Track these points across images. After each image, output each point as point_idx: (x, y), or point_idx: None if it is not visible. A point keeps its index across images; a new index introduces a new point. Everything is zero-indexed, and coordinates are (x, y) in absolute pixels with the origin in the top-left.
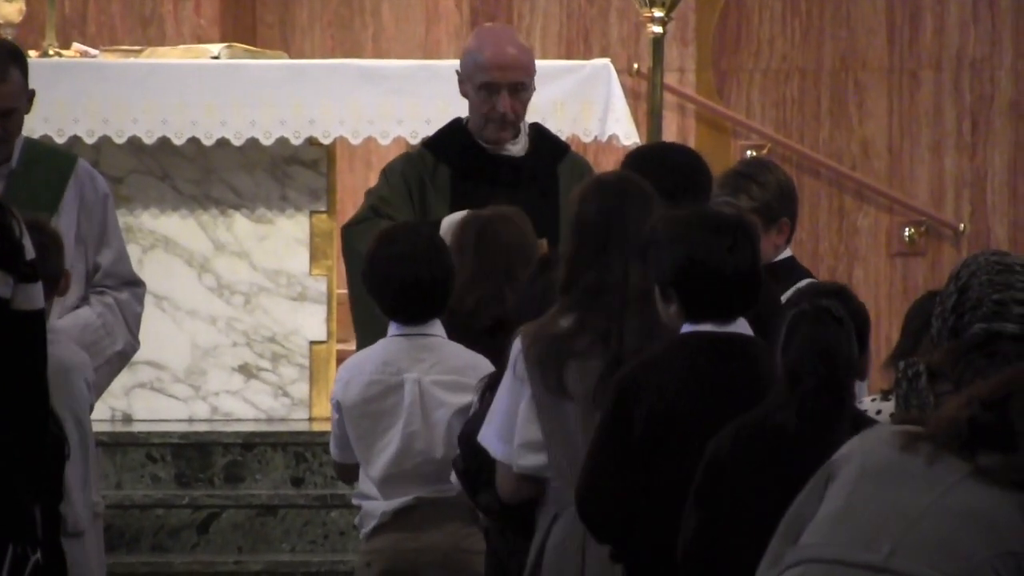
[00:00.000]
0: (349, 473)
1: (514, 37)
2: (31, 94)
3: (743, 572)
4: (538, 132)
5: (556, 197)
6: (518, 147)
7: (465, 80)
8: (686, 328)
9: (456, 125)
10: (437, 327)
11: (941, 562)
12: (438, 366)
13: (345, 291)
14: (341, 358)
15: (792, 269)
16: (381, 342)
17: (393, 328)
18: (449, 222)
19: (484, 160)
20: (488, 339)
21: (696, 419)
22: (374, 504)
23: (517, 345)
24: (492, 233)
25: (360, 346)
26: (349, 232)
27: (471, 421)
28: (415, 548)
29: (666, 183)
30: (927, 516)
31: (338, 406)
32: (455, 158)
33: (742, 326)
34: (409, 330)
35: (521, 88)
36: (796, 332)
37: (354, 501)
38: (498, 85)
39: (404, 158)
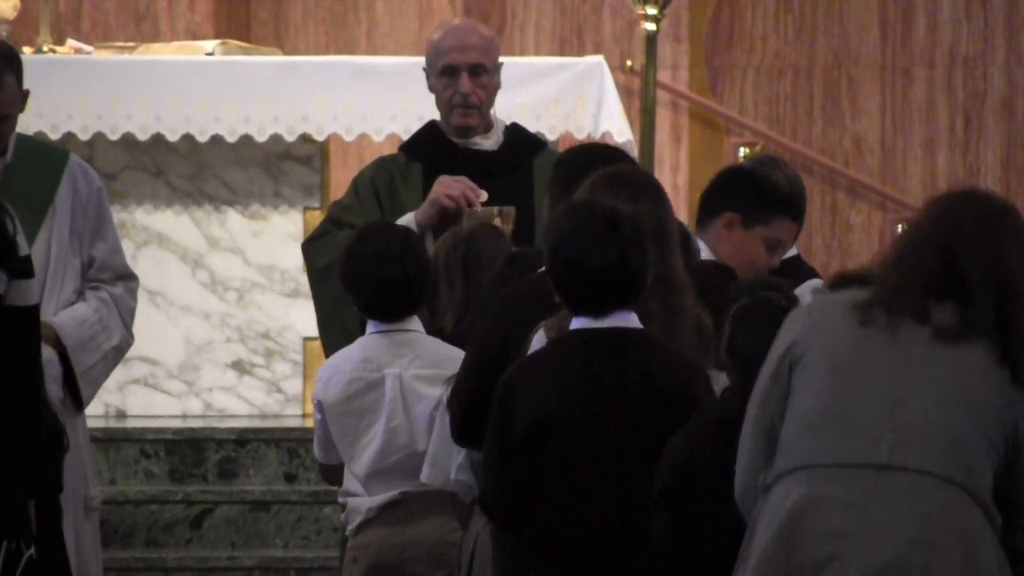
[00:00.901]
0: (334, 474)
1: (476, 27)
2: (25, 95)
3: (716, 568)
4: (515, 129)
5: (531, 191)
6: (491, 142)
7: (429, 72)
8: (572, 324)
9: (430, 126)
10: (415, 322)
11: (938, 447)
12: (418, 360)
13: None
14: None
15: (799, 267)
16: (360, 340)
17: (371, 326)
18: (407, 219)
19: (456, 154)
20: None
21: (573, 415)
22: (359, 500)
23: (540, 339)
24: (475, 255)
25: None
26: (307, 249)
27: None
28: (400, 542)
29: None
30: (912, 402)
31: (320, 406)
32: (427, 155)
33: (626, 319)
34: (387, 327)
35: (482, 70)
36: (743, 325)
37: (340, 499)
38: (457, 67)
39: (376, 163)
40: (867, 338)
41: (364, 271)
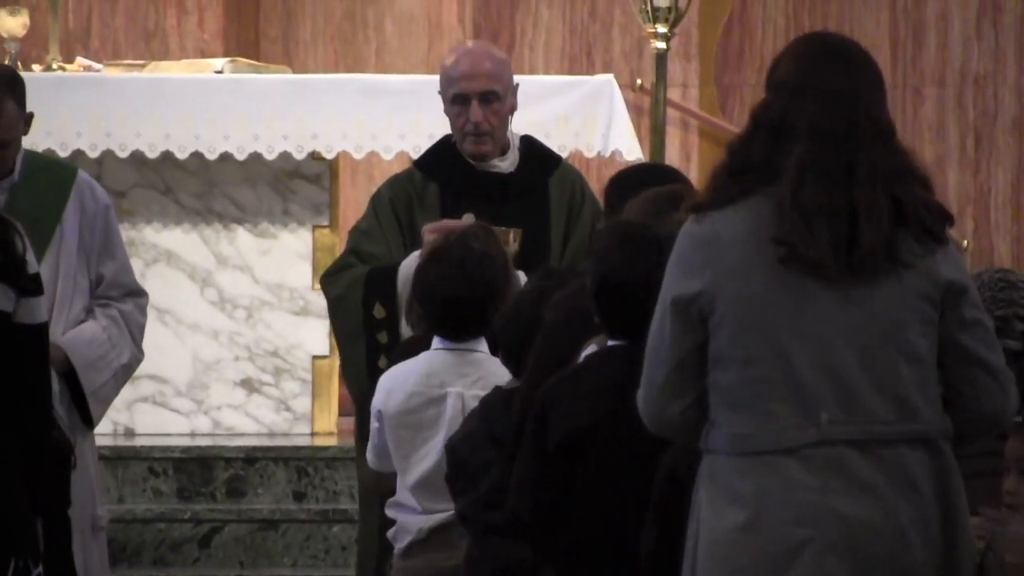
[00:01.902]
0: (384, 481)
1: (488, 50)
2: (29, 117)
3: None
4: (529, 145)
5: (547, 212)
6: (507, 163)
7: (442, 96)
8: (610, 342)
9: (445, 142)
10: (481, 343)
11: (877, 403)
12: (481, 381)
13: None
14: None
15: None
16: (424, 354)
17: (437, 342)
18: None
19: (473, 177)
20: None
21: (606, 430)
22: (410, 519)
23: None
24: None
25: (348, 388)
26: (325, 283)
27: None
28: (452, 567)
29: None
30: (844, 352)
31: (379, 415)
32: (444, 175)
33: None
34: (453, 345)
35: (493, 97)
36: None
37: (388, 512)
38: (467, 95)
39: (392, 181)
40: (781, 281)
41: (435, 289)
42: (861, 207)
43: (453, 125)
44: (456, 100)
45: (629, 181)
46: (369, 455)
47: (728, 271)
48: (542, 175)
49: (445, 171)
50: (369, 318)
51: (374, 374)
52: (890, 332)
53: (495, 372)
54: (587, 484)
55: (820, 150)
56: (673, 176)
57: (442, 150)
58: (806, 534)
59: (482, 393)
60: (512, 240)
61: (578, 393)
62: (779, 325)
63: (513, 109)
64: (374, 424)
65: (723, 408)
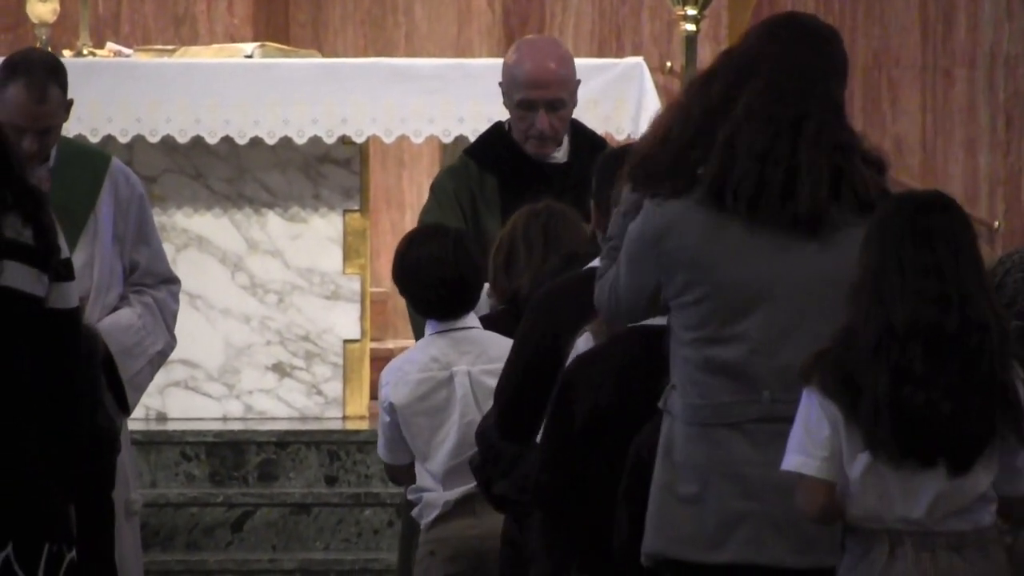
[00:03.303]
0: (399, 474)
1: (555, 50)
2: (69, 104)
3: None
4: (576, 131)
5: None
6: (561, 152)
7: (505, 94)
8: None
9: (498, 131)
10: (472, 319)
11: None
12: (483, 356)
13: (378, 289)
14: (375, 357)
15: None
16: (421, 342)
17: (431, 327)
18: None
19: (531, 168)
20: None
21: (630, 411)
22: (435, 495)
23: (587, 341)
24: (555, 223)
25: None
26: None
27: (486, 417)
28: (478, 534)
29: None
30: (796, 317)
31: (390, 408)
32: (501, 168)
33: None
34: (447, 326)
35: (559, 105)
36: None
37: (410, 496)
38: (535, 103)
39: (449, 172)
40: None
41: (419, 274)
42: (802, 161)
43: (515, 124)
44: (522, 105)
45: (617, 160)
46: (381, 450)
47: (687, 258)
48: (592, 162)
49: (503, 163)
50: None
51: None
52: (830, 292)
53: (494, 345)
54: (609, 462)
55: (772, 100)
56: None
57: (495, 139)
58: (749, 507)
59: (488, 367)
60: None
61: (602, 373)
62: (737, 296)
63: (574, 107)
64: (384, 418)
65: (683, 378)
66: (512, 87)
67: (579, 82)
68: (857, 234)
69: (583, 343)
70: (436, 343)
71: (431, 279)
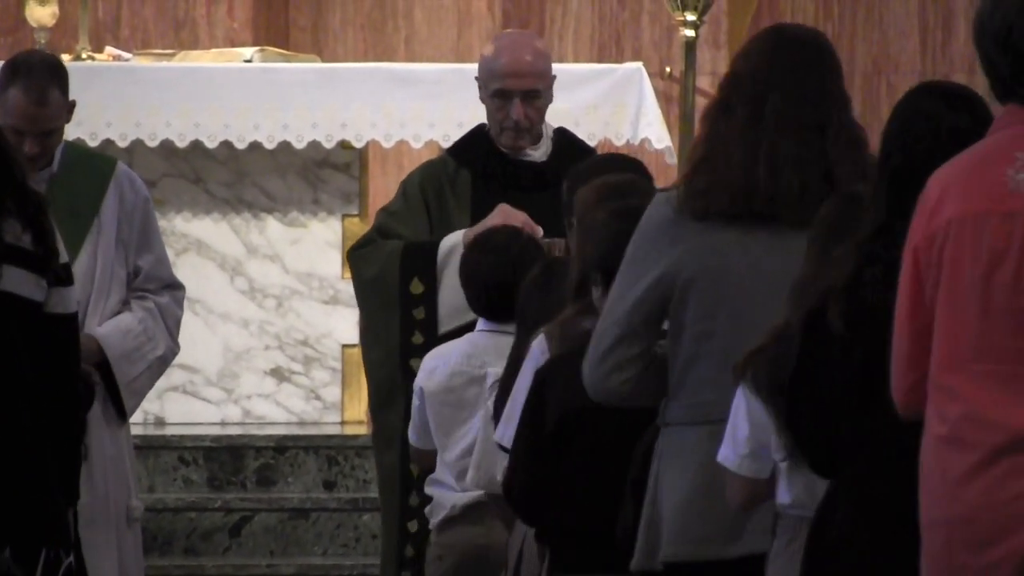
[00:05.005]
0: (424, 458)
1: (531, 43)
2: (71, 106)
3: None
4: (562, 136)
5: None
6: (540, 152)
7: (482, 87)
8: None
9: (479, 131)
10: None
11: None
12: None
13: None
14: None
15: None
16: (467, 336)
17: (481, 324)
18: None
19: (505, 165)
20: None
21: (603, 412)
22: (445, 495)
23: (540, 344)
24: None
25: (369, 374)
26: (353, 257)
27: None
28: (485, 544)
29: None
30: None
31: (421, 392)
32: (476, 163)
33: None
34: (496, 327)
35: (535, 95)
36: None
37: (427, 490)
38: (510, 92)
39: (424, 166)
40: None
41: (479, 271)
42: (835, 162)
43: (491, 116)
44: (498, 95)
45: (587, 171)
46: (411, 433)
47: (695, 249)
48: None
49: (478, 159)
50: (405, 293)
51: (407, 351)
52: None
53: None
54: (579, 464)
55: (796, 107)
56: (632, 167)
57: (475, 138)
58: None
59: None
60: (557, 252)
61: (576, 374)
62: (738, 295)
63: (550, 102)
64: (415, 402)
65: (682, 380)
66: (488, 78)
67: (555, 78)
68: None
69: (537, 345)
70: (480, 340)
71: (489, 278)
